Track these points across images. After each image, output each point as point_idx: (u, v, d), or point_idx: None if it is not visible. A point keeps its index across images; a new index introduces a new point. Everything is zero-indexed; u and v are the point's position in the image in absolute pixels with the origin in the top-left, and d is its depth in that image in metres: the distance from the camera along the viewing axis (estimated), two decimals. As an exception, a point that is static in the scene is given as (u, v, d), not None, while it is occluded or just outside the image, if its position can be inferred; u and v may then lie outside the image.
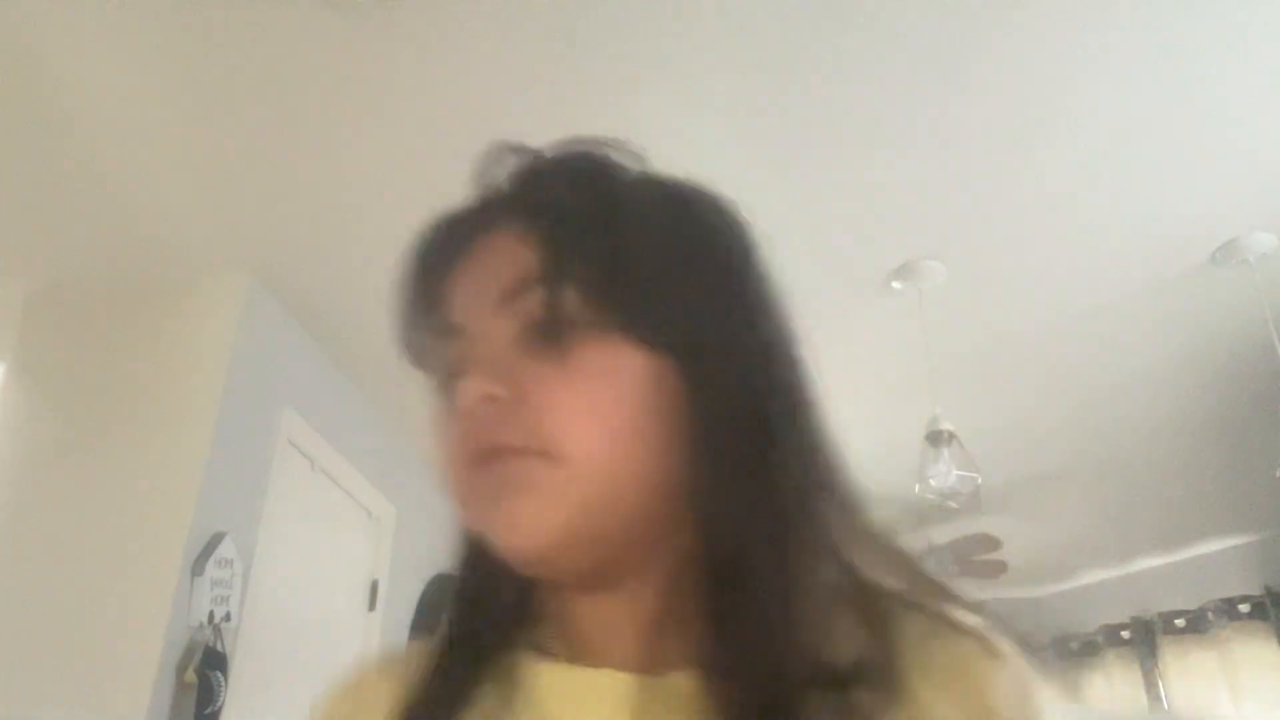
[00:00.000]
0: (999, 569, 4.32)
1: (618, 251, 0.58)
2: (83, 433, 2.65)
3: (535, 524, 0.53)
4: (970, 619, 0.57)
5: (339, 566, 3.26)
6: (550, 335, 0.56)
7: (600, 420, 0.55)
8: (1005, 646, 0.56)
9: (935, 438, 3.00)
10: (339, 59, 2.04)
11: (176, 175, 2.33)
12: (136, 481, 2.51)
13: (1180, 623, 4.78)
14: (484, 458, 0.54)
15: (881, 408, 3.54)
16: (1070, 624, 5.23)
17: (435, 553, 3.16)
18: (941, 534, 4.22)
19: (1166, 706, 4.75)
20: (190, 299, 2.74)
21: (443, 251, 0.62)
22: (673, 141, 2.28)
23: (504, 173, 0.64)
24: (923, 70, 2.10)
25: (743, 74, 2.10)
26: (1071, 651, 5.18)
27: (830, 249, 2.69)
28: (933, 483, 2.97)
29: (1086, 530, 4.68)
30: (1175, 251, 2.71)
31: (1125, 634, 4.95)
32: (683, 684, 0.52)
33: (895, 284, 2.81)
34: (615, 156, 0.63)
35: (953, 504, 3.10)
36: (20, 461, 2.67)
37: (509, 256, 0.58)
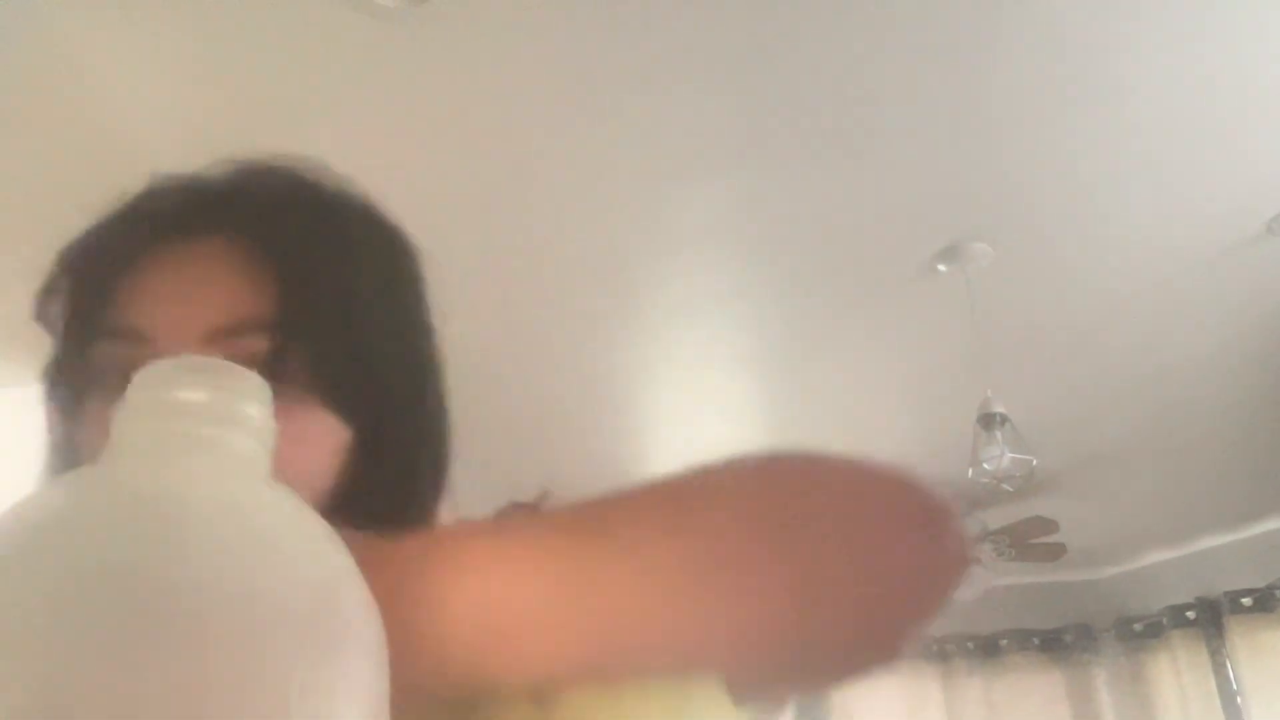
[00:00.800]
0: (1058, 552, 4.25)
1: (349, 315, 0.56)
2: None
3: None
4: None
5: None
6: None
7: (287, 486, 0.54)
8: None
9: (987, 420, 2.96)
10: (371, 63, 2.06)
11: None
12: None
13: (1247, 601, 4.67)
14: None
15: (932, 392, 3.51)
16: (1133, 606, 5.14)
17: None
18: (997, 518, 4.16)
19: (1235, 688, 4.65)
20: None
21: (140, 234, 0.57)
22: (702, 133, 2.28)
23: (221, 175, 0.60)
24: (961, 47, 2.08)
25: (776, 61, 2.09)
26: (1135, 634, 5.08)
27: (872, 235, 2.67)
28: (986, 466, 2.94)
29: (1147, 509, 4.60)
30: (1230, 222, 2.65)
31: (1190, 614, 4.85)
32: None
33: (941, 267, 2.78)
34: (353, 203, 0.61)
35: (1007, 487, 3.06)
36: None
37: (230, 282, 0.54)
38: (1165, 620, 4.94)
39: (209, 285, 0.55)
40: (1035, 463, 2.96)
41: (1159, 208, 2.59)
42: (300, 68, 2.06)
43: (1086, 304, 3.01)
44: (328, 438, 0.55)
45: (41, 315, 0.59)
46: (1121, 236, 2.69)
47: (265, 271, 0.55)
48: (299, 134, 2.22)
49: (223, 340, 0.53)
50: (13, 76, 2.01)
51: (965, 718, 5.14)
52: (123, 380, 0.53)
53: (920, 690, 5.22)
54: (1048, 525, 4.05)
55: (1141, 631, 5.06)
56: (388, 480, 0.56)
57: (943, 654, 5.27)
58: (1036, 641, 5.24)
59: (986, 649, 5.24)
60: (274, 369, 0.52)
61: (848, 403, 3.63)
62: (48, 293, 0.59)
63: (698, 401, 3.55)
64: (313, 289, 0.54)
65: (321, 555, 0.35)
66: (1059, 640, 5.23)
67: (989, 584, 4.24)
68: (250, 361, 0.52)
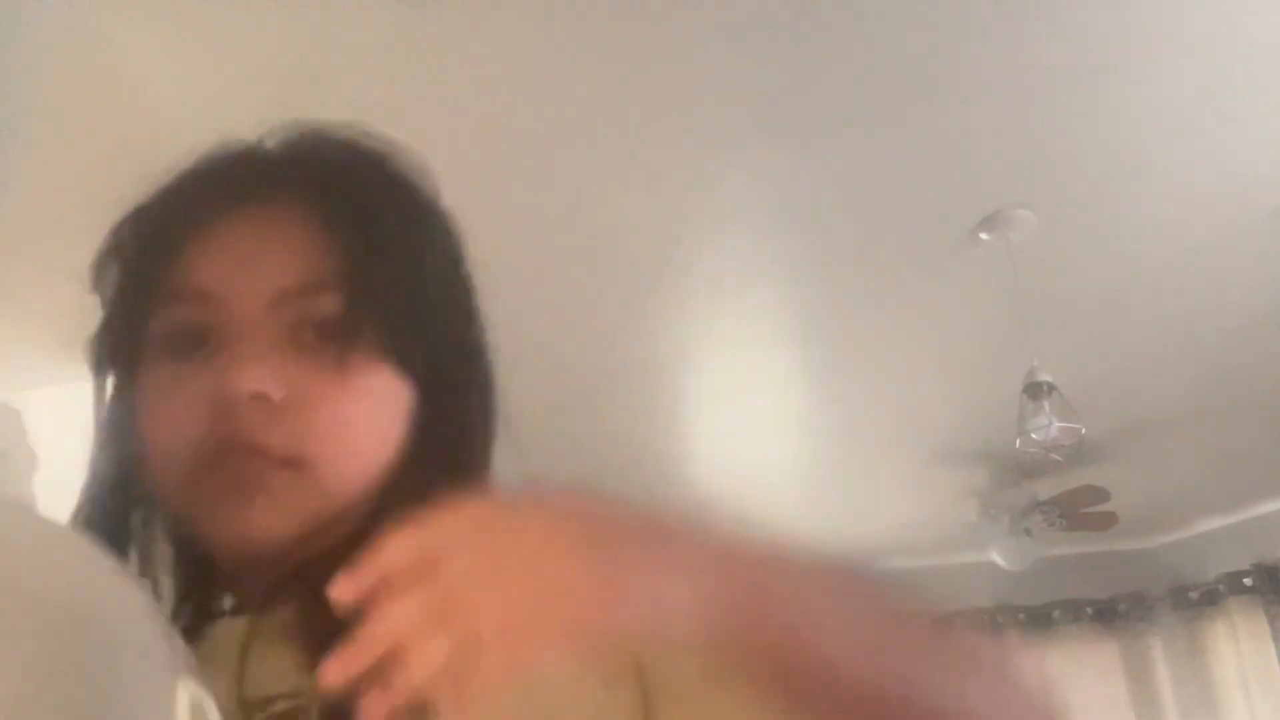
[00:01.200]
0: (1109, 521, 4.19)
1: (413, 277, 0.57)
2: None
3: (271, 531, 0.53)
4: None
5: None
6: (336, 348, 0.54)
7: (361, 444, 0.55)
8: None
9: (1034, 390, 2.93)
10: (404, 42, 2.06)
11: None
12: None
13: (1307, 566, 4.60)
14: (234, 452, 0.52)
15: (977, 363, 3.47)
16: (1188, 574, 5.06)
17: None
18: (1046, 488, 4.11)
19: (1297, 654, 4.58)
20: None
21: (205, 201, 0.58)
22: (739, 106, 2.26)
23: (282, 141, 0.61)
24: (1000, 13, 2.04)
25: (813, 32, 2.06)
26: (1191, 602, 5.01)
27: (913, 204, 2.64)
28: (1034, 436, 2.90)
29: (1201, 475, 4.52)
30: (1277, 183, 2.58)
31: (1248, 581, 4.76)
32: (284, 616, 0.52)
33: (983, 235, 2.74)
34: (408, 164, 0.62)
35: (1056, 457, 3.03)
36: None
37: (298, 244, 0.56)
38: (1222, 588, 4.86)
39: (278, 247, 0.56)
40: (1084, 431, 2.92)
41: (1204, 169, 2.53)
42: (335, 48, 2.07)
43: (1133, 268, 2.95)
44: (398, 398, 0.56)
45: (98, 282, 0.60)
46: (1166, 198, 2.64)
47: (332, 233, 0.56)
48: (337, 115, 2.24)
49: (293, 301, 0.54)
50: (51, 72, 2.05)
51: (1018, 690, 5.10)
52: (191, 343, 0.55)
53: (972, 663, 5.18)
54: (1099, 494, 3.99)
55: (1198, 600, 4.98)
56: (447, 439, 0.58)
57: (994, 626, 5.23)
58: (1090, 612, 5.18)
59: (1039, 620, 5.19)
60: (345, 330, 0.54)
61: (891, 376, 3.60)
62: (106, 259, 0.60)
63: (738, 378, 3.54)
64: (378, 250, 0.56)
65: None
66: (1113, 610, 5.17)
67: (1039, 555, 4.19)
68: (322, 323, 0.54)
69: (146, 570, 0.61)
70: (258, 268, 0.55)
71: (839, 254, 2.85)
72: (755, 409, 3.77)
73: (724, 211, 2.62)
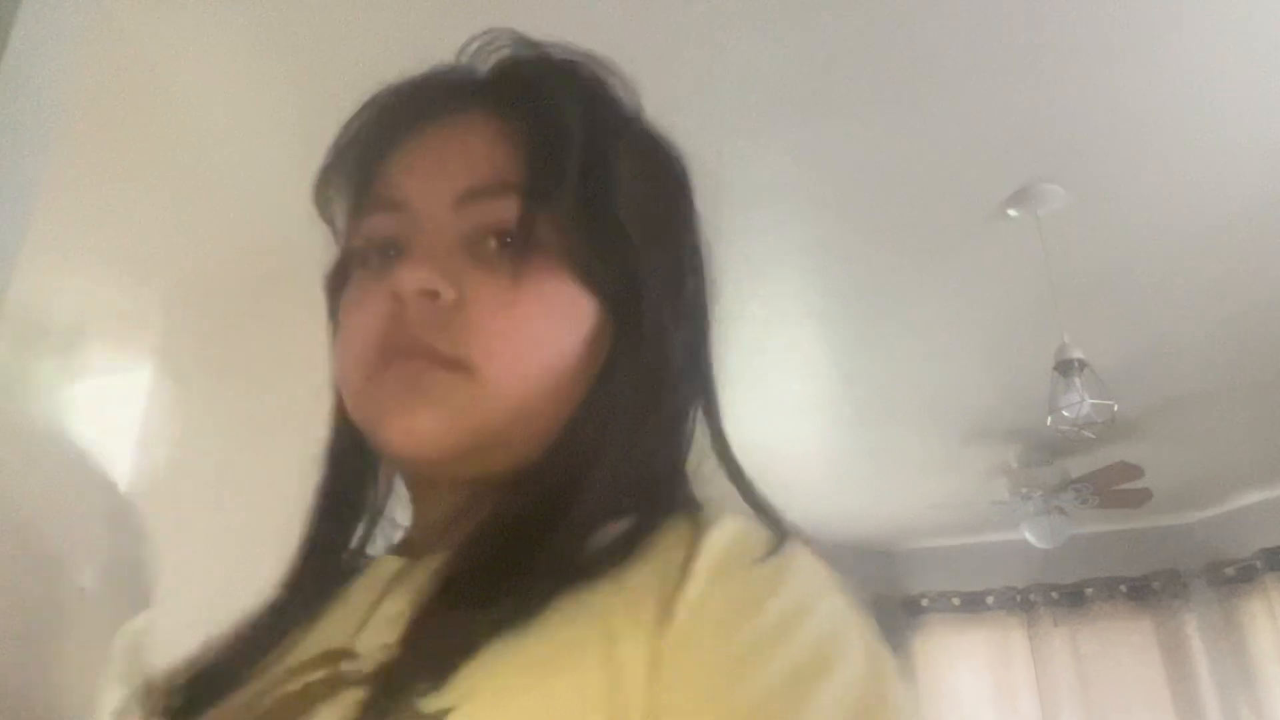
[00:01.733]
0: (1143, 497, 4.16)
1: (603, 190, 0.55)
2: (230, 426, 2.78)
3: (434, 435, 0.52)
4: (748, 518, 0.52)
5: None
6: (512, 250, 0.53)
7: (532, 352, 0.53)
8: (768, 542, 0.49)
9: (1065, 367, 2.90)
10: (428, 37, 2.06)
11: (293, 172, 2.40)
12: (287, 479, 2.62)
13: (1346, 541, 4.53)
14: (402, 353, 0.52)
15: (1007, 340, 3.44)
16: (1224, 550, 5.01)
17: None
18: (1079, 465, 4.08)
19: (1336, 630, 4.52)
20: (318, 290, 2.83)
21: (403, 116, 0.59)
22: (764, 87, 2.25)
23: (489, 56, 0.61)
24: (1026, -16, 2.01)
25: (837, 10, 2.05)
26: (1227, 578, 4.95)
27: (940, 181, 2.61)
28: (1065, 413, 2.88)
29: (1236, 450, 4.46)
30: (1318, 149, 2.53)
31: (1286, 556, 4.72)
32: (433, 564, 0.51)
33: (1011, 211, 2.71)
34: (615, 83, 0.61)
35: (1088, 434, 3.00)
36: (170, 461, 2.81)
37: (483, 149, 0.55)
38: (1259, 564, 4.80)
39: (463, 153, 0.56)
40: (1116, 408, 2.89)
41: (1234, 141, 2.48)
42: (356, 37, 2.08)
43: (1163, 241, 2.91)
44: (579, 315, 0.55)
45: (320, 200, 0.61)
46: (1196, 170, 2.60)
47: (517, 139, 0.55)
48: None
49: (472, 204, 0.54)
50: (94, 79, 2.06)
51: (1052, 668, 5.08)
52: (383, 254, 0.55)
53: (1005, 641, 5.17)
54: (1132, 471, 3.96)
55: (1234, 576, 4.93)
56: (639, 370, 0.56)
57: (1027, 604, 5.20)
58: (1124, 590, 5.14)
59: (1072, 599, 5.15)
60: (522, 233, 0.53)
61: (921, 354, 3.58)
62: (322, 183, 0.61)
63: (767, 357, 3.53)
64: (561, 156, 0.54)
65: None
66: (1148, 587, 5.13)
67: (1072, 533, 4.17)
68: (501, 230, 0.54)
69: (381, 502, 0.62)
70: (443, 172, 0.55)
71: (866, 232, 2.83)
72: (784, 388, 3.76)
73: (752, 193, 2.61)
